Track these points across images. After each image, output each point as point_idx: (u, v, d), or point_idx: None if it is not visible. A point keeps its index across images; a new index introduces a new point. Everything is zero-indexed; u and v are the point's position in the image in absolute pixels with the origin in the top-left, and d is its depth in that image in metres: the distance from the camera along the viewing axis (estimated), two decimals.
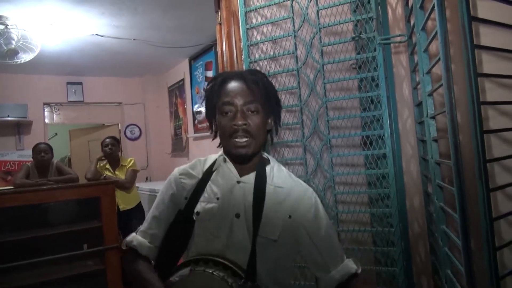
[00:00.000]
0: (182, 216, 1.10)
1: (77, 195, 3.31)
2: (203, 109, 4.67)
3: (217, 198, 1.08)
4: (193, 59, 5.08)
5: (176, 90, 5.62)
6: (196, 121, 4.89)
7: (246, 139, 1.04)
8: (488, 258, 1.08)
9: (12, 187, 3.51)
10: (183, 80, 5.38)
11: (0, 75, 5.30)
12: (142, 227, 1.17)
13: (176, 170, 1.17)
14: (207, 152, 4.61)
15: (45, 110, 5.83)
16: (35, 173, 3.69)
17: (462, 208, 1.15)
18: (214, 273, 0.99)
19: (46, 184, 3.38)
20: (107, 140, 3.93)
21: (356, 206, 1.88)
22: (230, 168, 1.11)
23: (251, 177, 1.09)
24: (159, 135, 6.17)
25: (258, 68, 2.09)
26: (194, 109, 4.92)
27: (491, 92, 1.35)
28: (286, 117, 2.06)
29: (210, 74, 4.67)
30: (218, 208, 1.07)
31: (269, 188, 1.08)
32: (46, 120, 5.84)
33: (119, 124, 6.30)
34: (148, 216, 1.17)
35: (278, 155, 2.08)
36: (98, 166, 3.89)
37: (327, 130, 1.87)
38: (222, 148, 1.15)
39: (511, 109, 1.32)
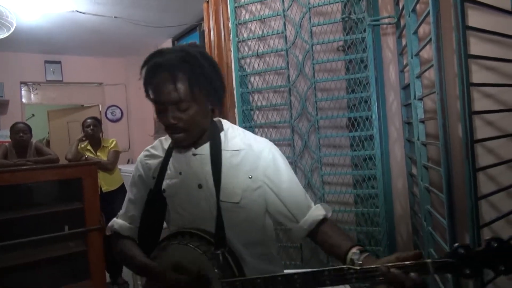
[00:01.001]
0: (153, 195, 1.15)
1: (58, 176, 3.23)
2: None
3: (180, 173, 1.11)
4: (177, 39, 4.97)
5: None
6: None
7: (181, 134, 1.05)
8: (472, 235, 1.11)
9: None
10: None
11: None
12: (121, 211, 1.22)
13: (142, 153, 1.22)
14: None
15: (22, 89, 5.63)
16: (13, 153, 3.57)
17: (448, 187, 1.18)
18: (188, 244, 1.02)
19: (25, 165, 3.29)
20: (89, 120, 3.84)
21: (342, 187, 1.90)
22: None
23: (205, 147, 1.10)
24: (141, 117, 6.06)
25: (246, 49, 2.07)
26: None
27: (476, 74, 1.36)
28: (274, 98, 2.05)
29: None
30: (181, 182, 1.10)
31: (225, 153, 1.09)
32: (24, 100, 5.65)
33: (100, 105, 6.15)
34: (125, 200, 1.23)
35: (265, 136, 2.08)
36: (79, 147, 3.80)
37: (315, 111, 1.87)
38: None
39: (495, 91, 1.34)
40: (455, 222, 1.18)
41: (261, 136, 2.05)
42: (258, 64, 2.06)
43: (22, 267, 3.07)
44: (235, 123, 2.19)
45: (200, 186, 1.09)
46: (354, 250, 0.94)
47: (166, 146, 1.16)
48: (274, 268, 1.15)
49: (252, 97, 2.11)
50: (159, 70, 1.02)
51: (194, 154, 1.10)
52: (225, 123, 1.17)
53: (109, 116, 6.14)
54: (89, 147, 3.86)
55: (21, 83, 5.59)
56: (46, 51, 5.39)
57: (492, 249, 0.76)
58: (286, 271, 1.03)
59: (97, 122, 3.86)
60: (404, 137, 1.80)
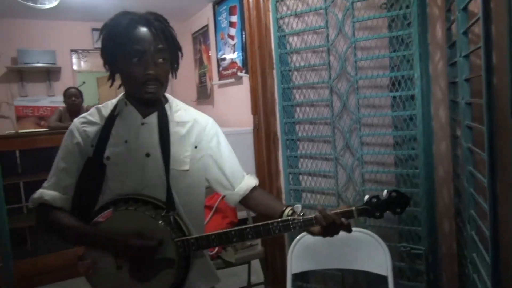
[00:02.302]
0: (91, 163, 1.13)
1: None
2: (227, 55, 4.63)
3: (125, 141, 1.13)
4: (217, 3, 4.94)
5: (200, 37, 5.53)
6: (221, 68, 4.85)
7: (155, 86, 1.08)
8: None
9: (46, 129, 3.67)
10: (207, 26, 5.28)
11: (27, 21, 5.34)
12: (49, 182, 1.16)
13: (76, 120, 1.18)
14: (232, 99, 4.58)
15: (73, 57, 5.90)
16: (67, 117, 3.83)
17: (490, 145, 1.14)
18: (136, 209, 1.06)
19: None
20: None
21: (381, 147, 1.88)
22: (132, 111, 1.15)
23: (153, 117, 1.15)
24: (183, 83, 6.18)
25: (285, 8, 2.04)
26: (219, 56, 4.87)
27: None
28: (312, 59, 2.03)
29: (234, 19, 4.56)
30: (127, 150, 1.12)
31: (172, 124, 1.16)
32: (74, 67, 5.93)
33: None
34: (53, 170, 1.17)
35: (303, 97, 2.08)
36: None
37: (354, 71, 1.84)
38: (123, 92, 1.19)
39: None
40: (496, 180, 1.15)
41: (299, 96, 2.07)
42: (297, 24, 2.03)
43: None
44: (273, 85, 2.21)
45: (147, 155, 1.12)
46: (289, 209, 1.14)
47: (105, 113, 1.16)
48: (202, 231, 1.22)
49: (290, 58, 2.10)
50: (137, 24, 1.08)
51: (143, 123, 1.14)
52: (169, 96, 1.22)
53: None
54: None
55: (71, 50, 5.85)
56: (92, 18, 5.56)
57: (393, 198, 1.09)
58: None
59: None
60: (449, 98, 1.74)
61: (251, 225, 1.07)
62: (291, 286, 1.66)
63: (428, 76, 1.74)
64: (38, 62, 5.33)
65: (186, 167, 1.15)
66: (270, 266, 2.44)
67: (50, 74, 5.60)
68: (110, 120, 1.15)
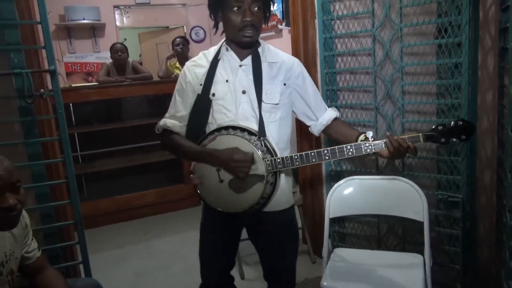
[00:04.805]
0: (200, 98, 1.37)
1: (152, 91, 3.58)
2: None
3: (227, 81, 1.35)
4: None
5: None
6: None
7: (251, 31, 1.29)
8: None
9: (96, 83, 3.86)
10: None
11: None
12: (170, 113, 1.43)
13: (188, 63, 1.42)
14: None
15: (116, 13, 6.02)
16: (114, 71, 3.99)
17: None
18: (235, 134, 1.30)
19: (124, 81, 3.67)
20: (178, 39, 4.05)
21: (423, 96, 1.86)
22: (232, 55, 1.37)
23: (249, 60, 1.36)
24: (223, 37, 6.19)
25: None
26: None
27: None
28: (355, 6, 1.99)
29: None
30: (228, 88, 1.35)
31: (264, 65, 1.36)
32: (117, 23, 6.06)
33: (184, 27, 6.37)
34: (172, 103, 1.44)
35: (345, 46, 2.06)
36: (168, 65, 4.08)
37: (399, 18, 1.80)
38: (224, 39, 1.41)
39: None
40: None
41: (341, 46, 2.06)
42: None
43: (121, 171, 3.60)
44: (315, 35, 2.20)
45: (244, 92, 1.34)
46: (362, 135, 1.34)
47: (210, 58, 1.39)
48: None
49: (333, 7, 2.06)
50: None
51: (240, 65, 1.36)
52: (260, 40, 1.40)
53: (193, 37, 6.35)
54: (178, 65, 4.12)
55: (114, 6, 5.95)
56: None
57: (459, 126, 1.21)
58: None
59: (185, 41, 4.06)
60: (498, 45, 1.67)
61: (329, 148, 1.27)
62: (328, 230, 1.75)
63: (477, 22, 1.67)
64: (83, 19, 5.50)
65: (277, 101, 1.36)
66: (309, 213, 2.54)
67: (95, 30, 5.77)
68: (214, 63, 1.37)
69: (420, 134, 1.23)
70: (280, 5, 4.14)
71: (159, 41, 6.41)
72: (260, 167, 1.27)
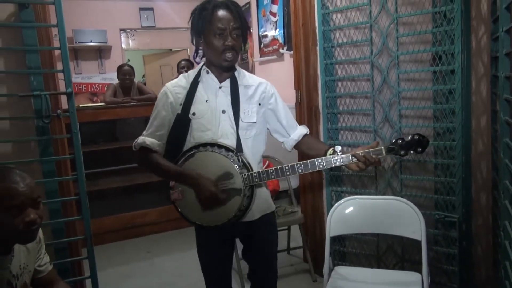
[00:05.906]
0: (180, 118, 1.46)
1: None
2: (269, 32, 4.70)
3: (206, 101, 1.45)
4: None
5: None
6: (262, 45, 4.94)
7: (231, 55, 1.40)
8: None
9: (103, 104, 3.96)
10: (249, 3, 5.35)
11: (80, 2, 5.65)
12: (148, 131, 1.49)
13: (169, 84, 1.50)
14: (273, 75, 4.67)
15: (122, 36, 6.19)
16: (120, 92, 4.09)
17: None
18: (213, 151, 1.39)
19: (130, 102, 3.77)
20: (183, 62, 4.17)
21: (420, 120, 1.95)
22: (212, 78, 1.48)
23: (227, 82, 1.48)
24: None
25: None
26: (260, 33, 4.95)
27: None
28: (355, 35, 2.10)
29: None
30: (208, 108, 1.45)
31: (240, 87, 1.49)
32: (123, 45, 6.23)
33: (188, 49, 6.54)
34: (151, 122, 1.50)
35: (345, 72, 2.16)
36: None
37: (396, 46, 1.90)
38: (204, 63, 1.51)
39: None
40: None
41: (341, 72, 2.16)
42: (340, 1, 2.10)
43: (125, 189, 3.64)
44: (316, 61, 2.30)
45: (223, 112, 1.45)
46: (331, 149, 1.44)
47: (190, 80, 1.48)
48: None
49: (333, 35, 2.18)
50: (221, 6, 1.39)
51: (220, 87, 1.47)
52: (236, 66, 1.52)
53: (197, 59, 6.48)
54: None
55: (121, 30, 6.13)
56: None
57: (415, 139, 1.35)
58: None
59: (190, 64, 4.17)
60: (490, 72, 1.77)
61: (301, 162, 1.38)
62: (329, 248, 1.80)
63: (469, 51, 1.77)
64: (91, 41, 5.65)
65: (254, 120, 1.49)
66: (310, 232, 2.59)
67: (101, 52, 5.93)
68: (195, 85, 1.47)
69: (383, 147, 1.35)
70: (282, 30, 4.28)
71: (162, 63, 6.56)
72: (237, 181, 1.37)
